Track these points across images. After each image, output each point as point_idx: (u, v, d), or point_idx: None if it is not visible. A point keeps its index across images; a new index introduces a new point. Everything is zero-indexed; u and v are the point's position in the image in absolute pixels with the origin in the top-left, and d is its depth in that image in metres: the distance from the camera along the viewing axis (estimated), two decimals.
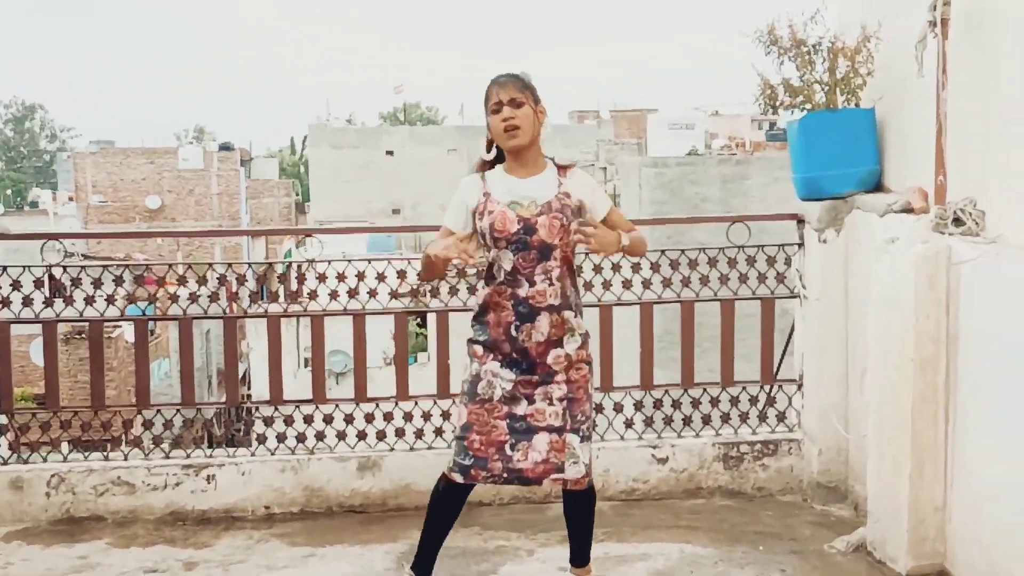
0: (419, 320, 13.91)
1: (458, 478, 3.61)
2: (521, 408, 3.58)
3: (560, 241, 3.56)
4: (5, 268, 5.02)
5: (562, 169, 3.67)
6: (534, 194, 3.57)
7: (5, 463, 4.96)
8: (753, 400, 5.29)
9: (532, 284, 3.56)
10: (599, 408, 5.29)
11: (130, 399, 5.44)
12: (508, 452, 3.56)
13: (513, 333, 3.59)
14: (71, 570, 4.34)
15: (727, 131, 38.53)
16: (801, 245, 5.16)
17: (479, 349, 3.65)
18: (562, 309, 3.59)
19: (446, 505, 3.71)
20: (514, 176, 3.63)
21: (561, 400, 3.60)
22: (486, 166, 3.71)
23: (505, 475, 3.58)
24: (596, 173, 32.22)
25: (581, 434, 3.63)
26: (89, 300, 5.03)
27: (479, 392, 3.59)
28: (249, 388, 22.06)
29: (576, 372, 3.63)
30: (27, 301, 4.98)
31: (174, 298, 5.23)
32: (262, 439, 5.28)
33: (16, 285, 5.01)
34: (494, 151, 3.67)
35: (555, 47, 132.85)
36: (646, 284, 5.19)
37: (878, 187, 4.84)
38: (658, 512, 4.92)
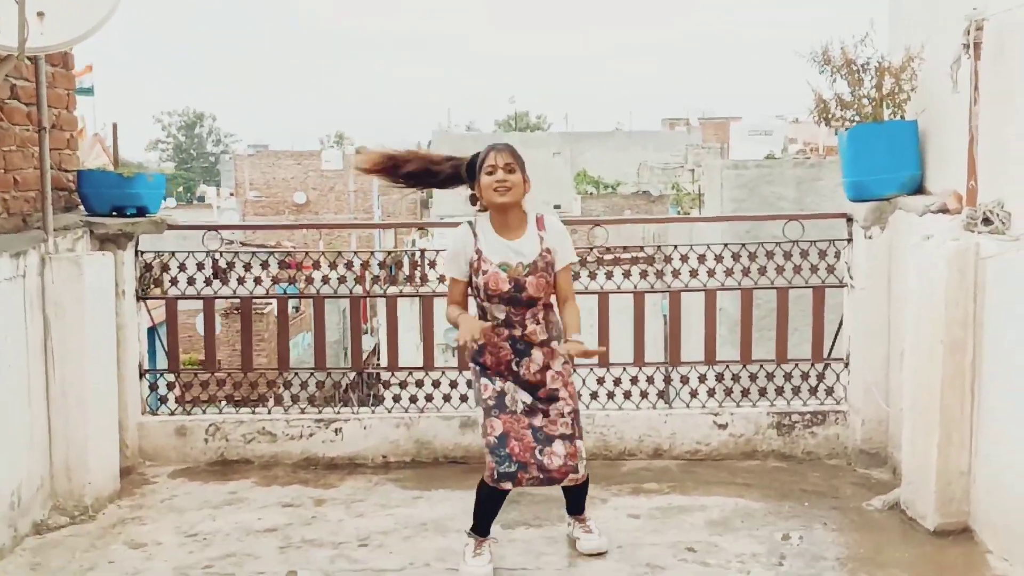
0: None
1: (507, 486, 3.73)
2: (538, 420, 3.74)
3: (544, 293, 3.75)
4: (174, 253, 5.36)
5: (539, 221, 3.79)
6: (521, 255, 3.72)
7: (172, 414, 5.33)
8: (804, 376, 5.33)
9: (524, 327, 3.75)
10: (667, 380, 5.41)
11: (275, 364, 5.74)
12: (539, 456, 3.70)
13: (514, 368, 3.77)
14: (224, 503, 4.66)
15: (805, 136, 37.65)
16: (850, 240, 5.17)
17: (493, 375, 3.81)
18: (549, 342, 3.79)
19: (494, 504, 3.84)
20: (503, 237, 3.75)
21: (568, 414, 3.78)
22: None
23: (540, 476, 3.71)
24: (684, 175, 32.06)
25: (582, 439, 3.86)
26: (241, 281, 5.34)
27: (507, 404, 3.74)
28: (378, 358, 22.58)
29: (572, 386, 3.85)
30: (191, 281, 5.32)
31: (310, 280, 5.50)
32: (380, 399, 5.52)
33: (182, 267, 5.35)
34: (478, 206, 3.79)
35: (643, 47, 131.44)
36: (711, 273, 5.26)
37: (919, 190, 4.82)
38: (717, 471, 5.02)
